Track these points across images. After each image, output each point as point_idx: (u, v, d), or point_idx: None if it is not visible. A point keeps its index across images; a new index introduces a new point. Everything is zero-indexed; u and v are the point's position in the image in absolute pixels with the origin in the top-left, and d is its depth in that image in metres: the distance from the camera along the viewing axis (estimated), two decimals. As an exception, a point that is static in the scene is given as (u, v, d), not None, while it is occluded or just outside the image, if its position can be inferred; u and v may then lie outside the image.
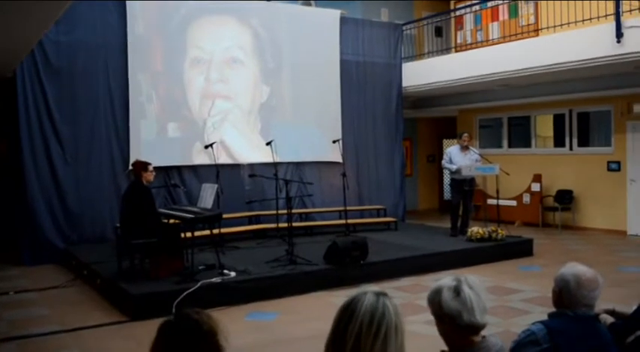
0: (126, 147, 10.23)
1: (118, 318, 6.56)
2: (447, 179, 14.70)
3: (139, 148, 10.20)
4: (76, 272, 8.69)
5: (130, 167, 8.77)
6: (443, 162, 10.90)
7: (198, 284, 6.87)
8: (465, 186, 10.54)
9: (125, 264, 7.47)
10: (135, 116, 10.32)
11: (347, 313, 1.95)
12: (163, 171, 10.33)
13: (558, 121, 13.59)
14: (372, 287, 2.03)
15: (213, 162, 9.89)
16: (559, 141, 13.52)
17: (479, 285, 2.27)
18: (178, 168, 10.79)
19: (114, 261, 7.67)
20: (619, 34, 9.37)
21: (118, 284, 7.07)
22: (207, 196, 8.04)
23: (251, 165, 11.23)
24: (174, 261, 7.44)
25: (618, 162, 12.15)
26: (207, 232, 8.55)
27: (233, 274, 7.40)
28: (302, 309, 6.94)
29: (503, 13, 12.38)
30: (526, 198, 13.50)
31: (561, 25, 10.63)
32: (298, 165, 12.09)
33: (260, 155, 11.04)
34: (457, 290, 2.23)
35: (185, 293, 6.65)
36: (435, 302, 2.27)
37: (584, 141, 13.01)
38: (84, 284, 8.16)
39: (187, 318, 1.99)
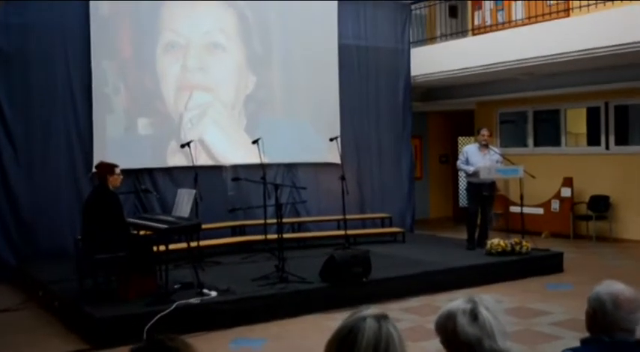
0: (89, 147, 10.22)
1: (80, 346, 6.52)
2: (462, 183, 14.72)
3: (104, 148, 10.19)
4: (30, 292, 8.66)
5: (94, 169, 8.76)
6: (458, 163, 10.92)
7: (174, 305, 6.84)
8: (483, 191, 10.54)
9: (88, 282, 7.44)
10: (99, 110, 10.31)
11: (345, 346, 1.94)
12: (133, 174, 10.32)
13: (592, 116, 13.61)
14: (370, 311, 2.02)
15: (190, 164, 9.88)
16: (593, 139, 13.55)
17: (496, 306, 2.26)
18: (150, 171, 10.79)
19: (75, 279, 7.64)
20: (662, 15, 9.42)
21: (80, 306, 7.04)
22: (184, 203, 8.03)
23: (235, 167, 11.24)
24: (145, 279, 7.42)
25: (662, 163, 12.19)
26: (183, 245, 8.53)
27: (214, 294, 7.37)
28: (294, 335, 6.93)
29: (528, -10, 12.41)
30: (555, 205, 13.51)
31: (595, 4, 10.67)
32: (290, 166, 12.11)
33: (245, 155, 11.02)
34: (474, 314, 2.21)
35: (158, 317, 6.63)
36: (448, 329, 2.24)
37: (622, 139, 13.03)
38: (39, 307, 8.11)
39: (161, 346, 1.97)
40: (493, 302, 2.28)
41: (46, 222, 9.87)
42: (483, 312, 2.21)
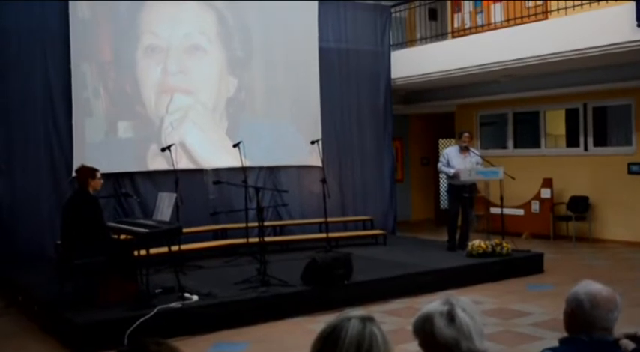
0: (69, 151, 10.14)
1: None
2: (444, 185, 14.78)
3: (84, 152, 10.13)
4: (9, 298, 8.59)
5: (74, 174, 8.69)
6: (439, 165, 10.97)
7: (155, 310, 6.81)
8: (464, 192, 10.60)
9: (68, 287, 7.39)
10: (79, 114, 10.24)
11: (328, 344, 1.96)
12: (113, 178, 10.27)
13: (571, 117, 13.71)
14: (356, 312, 2.04)
15: (171, 168, 9.84)
16: (572, 141, 13.65)
17: (472, 307, 2.28)
18: (131, 175, 10.73)
19: (55, 283, 7.59)
20: (639, 17, 9.49)
21: (60, 311, 7.00)
22: (165, 207, 8.00)
23: (216, 171, 11.20)
24: (125, 284, 7.38)
25: (640, 164, 12.31)
26: (164, 249, 8.50)
27: (195, 298, 7.35)
28: (276, 338, 6.92)
29: (507, -8, 12.49)
30: (535, 207, 13.60)
31: (574, 6, 10.75)
32: (271, 169, 12.09)
33: (227, 158, 11.01)
34: (451, 316, 2.23)
35: (139, 322, 6.59)
36: (426, 331, 2.25)
37: (601, 140, 13.14)
38: (18, 312, 8.06)
39: (144, 350, 1.95)
40: (470, 303, 2.30)
41: (26, 226, 9.77)
42: (460, 314, 2.23)
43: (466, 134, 10.90)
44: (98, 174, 7.62)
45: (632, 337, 3.00)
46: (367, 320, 2.01)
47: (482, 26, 12.87)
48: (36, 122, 9.97)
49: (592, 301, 2.77)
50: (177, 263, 8.65)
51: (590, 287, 2.84)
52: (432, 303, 2.31)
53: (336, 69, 13.00)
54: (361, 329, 1.97)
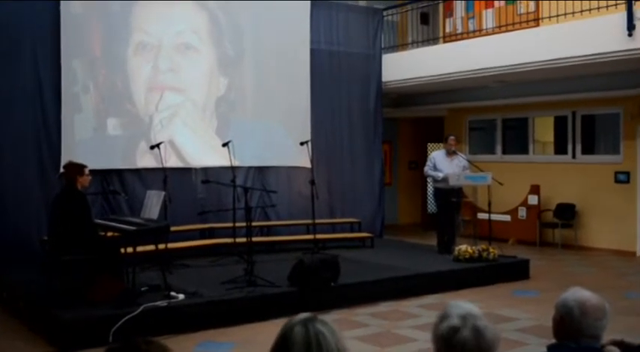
0: (57, 147, 10.09)
1: (45, 349, 6.46)
2: (431, 189, 14.81)
3: (73, 148, 10.08)
4: (-6, 293, 8.55)
5: (62, 170, 8.66)
6: (425, 168, 11.03)
7: (140, 308, 6.80)
8: (451, 197, 10.64)
9: (54, 284, 7.35)
10: (68, 110, 10.19)
11: None
12: (101, 175, 10.22)
13: (560, 124, 13.79)
14: (298, 317, 2.10)
15: (160, 166, 9.82)
16: (560, 148, 13.72)
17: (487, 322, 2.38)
18: (119, 172, 10.69)
19: (41, 280, 7.55)
20: (630, 26, 9.55)
21: (46, 308, 6.96)
22: (153, 205, 7.98)
23: (205, 170, 11.18)
24: (112, 281, 7.34)
25: (627, 173, 12.36)
26: (151, 247, 8.48)
27: (181, 297, 7.35)
28: (262, 339, 6.88)
29: (499, -2, 12.56)
30: (522, 213, 13.65)
31: (565, 14, 10.80)
32: (260, 170, 12.08)
33: (216, 158, 10.99)
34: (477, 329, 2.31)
35: (124, 319, 6.58)
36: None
37: (588, 148, 13.21)
38: (3, 309, 8.02)
39: (134, 349, 1.94)
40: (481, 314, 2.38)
41: (12, 223, 9.68)
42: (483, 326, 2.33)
43: (452, 137, 11.00)
44: (86, 171, 7.59)
45: (618, 344, 3.02)
46: (309, 321, 2.07)
47: (473, 32, 12.91)
48: (25, 117, 9.89)
49: (581, 308, 2.79)
50: (164, 261, 8.63)
51: (580, 294, 2.85)
52: (451, 318, 2.41)
53: (327, 71, 13.00)
54: (304, 333, 2.03)
